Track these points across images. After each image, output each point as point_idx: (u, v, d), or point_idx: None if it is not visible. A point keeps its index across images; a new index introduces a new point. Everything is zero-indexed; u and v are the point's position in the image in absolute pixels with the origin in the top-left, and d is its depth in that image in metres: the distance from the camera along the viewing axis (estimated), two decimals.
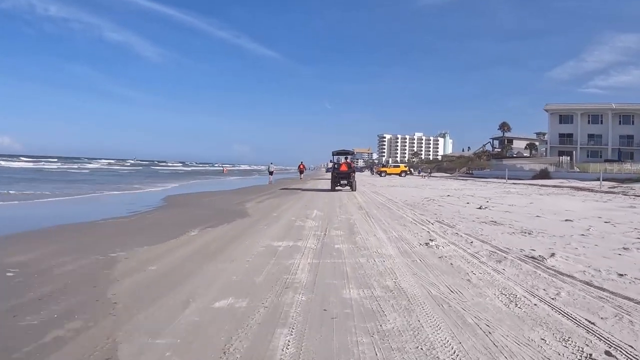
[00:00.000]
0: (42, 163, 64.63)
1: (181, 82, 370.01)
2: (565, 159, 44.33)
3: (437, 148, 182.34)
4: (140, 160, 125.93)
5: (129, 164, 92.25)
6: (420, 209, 11.59)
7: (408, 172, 50.53)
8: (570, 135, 53.63)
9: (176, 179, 33.59)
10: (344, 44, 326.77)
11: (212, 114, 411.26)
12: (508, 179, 43.93)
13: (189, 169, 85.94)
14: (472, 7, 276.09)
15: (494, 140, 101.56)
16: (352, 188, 19.46)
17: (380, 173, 49.92)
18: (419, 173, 59.83)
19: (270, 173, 39.73)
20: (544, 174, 41.35)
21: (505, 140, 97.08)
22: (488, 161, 70.51)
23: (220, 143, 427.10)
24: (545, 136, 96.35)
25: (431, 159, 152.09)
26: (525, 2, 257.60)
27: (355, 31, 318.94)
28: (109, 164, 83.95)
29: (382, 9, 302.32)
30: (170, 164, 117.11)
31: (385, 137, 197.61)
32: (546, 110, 54.79)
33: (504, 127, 72.62)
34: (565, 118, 54.20)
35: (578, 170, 42.45)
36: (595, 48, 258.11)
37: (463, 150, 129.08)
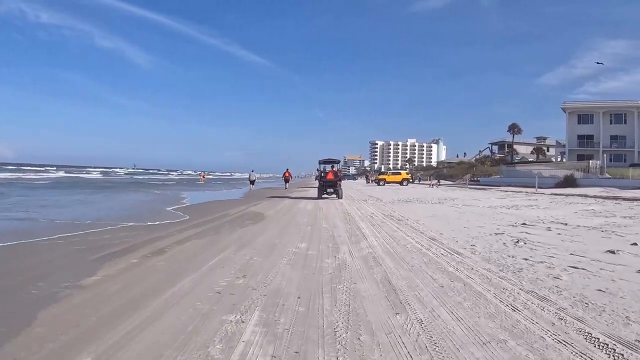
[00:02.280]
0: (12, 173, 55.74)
1: (172, 89, 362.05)
2: (595, 163, 37.31)
3: (431, 154, 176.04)
4: (138, 169, 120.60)
5: (121, 173, 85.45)
6: (557, 292, 4.05)
7: (410, 180, 43.11)
8: (590, 137, 46.88)
9: (133, 192, 25.73)
10: (334, 51, 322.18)
11: (204, 121, 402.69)
12: (523, 186, 36.84)
13: (178, 177, 77.98)
14: (462, 13, 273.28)
15: (493, 145, 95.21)
16: (339, 196, 18.95)
17: (378, 181, 42.35)
18: (419, 181, 52.43)
19: (252, 182, 33.44)
20: (569, 181, 34.27)
21: (506, 145, 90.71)
22: (492, 167, 63.58)
23: (215, 150, 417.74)
24: (548, 140, 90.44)
25: (424, 165, 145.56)
26: (516, 8, 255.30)
27: (345, 38, 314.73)
28: (102, 172, 77.65)
29: (373, 16, 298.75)
30: (164, 172, 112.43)
31: (377, 144, 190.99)
32: (563, 109, 47.99)
33: (513, 128, 65.44)
34: (584, 117, 47.45)
35: (609, 176, 35.55)
36: (585, 54, 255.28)
37: (457, 157, 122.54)
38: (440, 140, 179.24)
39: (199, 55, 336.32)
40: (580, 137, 47.32)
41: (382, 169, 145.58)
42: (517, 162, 52.56)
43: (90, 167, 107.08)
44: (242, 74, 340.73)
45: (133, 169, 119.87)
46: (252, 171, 35.19)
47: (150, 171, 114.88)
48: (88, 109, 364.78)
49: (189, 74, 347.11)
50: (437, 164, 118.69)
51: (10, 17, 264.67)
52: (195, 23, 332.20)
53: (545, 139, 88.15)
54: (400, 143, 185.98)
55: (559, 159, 53.99)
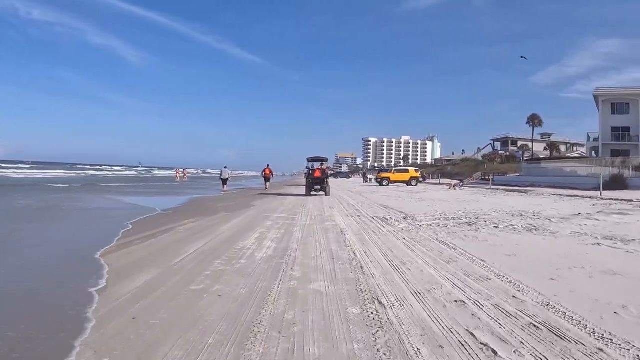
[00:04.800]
0: None
1: (164, 86, 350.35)
2: None
3: (425, 152, 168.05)
4: (145, 166, 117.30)
5: (116, 171, 78.55)
6: None
7: (421, 179, 34.50)
8: (626, 130, 38.85)
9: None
10: (328, 49, 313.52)
11: (197, 118, 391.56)
12: (552, 187, 28.81)
13: (161, 175, 69.03)
14: (455, 12, 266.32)
15: (495, 142, 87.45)
16: (326, 193, 18.72)
17: (380, 181, 33.52)
18: (423, 180, 43.92)
19: (224, 182, 25.90)
20: (618, 182, 26.38)
21: (510, 142, 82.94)
22: (502, 164, 55.69)
23: (209, 148, 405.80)
24: (553, 137, 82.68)
25: (419, 162, 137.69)
26: (508, 7, 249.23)
27: (339, 37, 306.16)
28: (96, 170, 72.64)
29: (367, 15, 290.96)
30: (159, 168, 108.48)
31: (370, 141, 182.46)
32: (596, 98, 39.94)
33: (533, 120, 56.85)
34: (619, 107, 39.43)
35: None
36: (577, 53, 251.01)
37: (453, 154, 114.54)
38: (435, 138, 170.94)
39: (192, 53, 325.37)
40: (614, 129, 39.27)
41: (376, 166, 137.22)
42: (543, 159, 44.47)
43: (73, 164, 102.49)
44: (235, 72, 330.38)
45: (140, 166, 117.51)
46: (225, 168, 26.92)
47: (143, 169, 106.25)
48: (81, 107, 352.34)
49: (181, 72, 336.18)
50: (435, 161, 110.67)
51: (3, 15, 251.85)
52: (188, 20, 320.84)
53: (550, 135, 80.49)
54: (394, 140, 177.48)
55: (580, 155, 46.11)
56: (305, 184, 19.95)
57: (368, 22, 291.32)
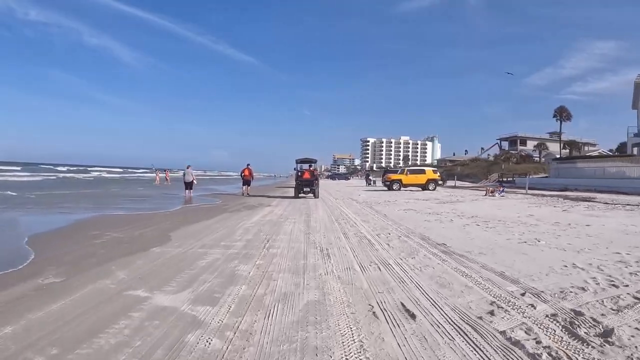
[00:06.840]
0: None
1: (160, 87, 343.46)
2: None
3: (425, 152, 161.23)
4: (156, 168, 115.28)
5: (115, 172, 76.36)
6: None
7: (440, 182, 27.29)
8: None
9: None
10: (322, 51, 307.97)
11: (189, 119, 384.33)
12: (600, 191, 22.29)
13: (148, 177, 63.40)
14: (450, 14, 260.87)
15: (503, 141, 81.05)
16: (315, 195, 18.22)
17: (390, 184, 25.82)
18: (443, 183, 35.97)
19: (188, 185, 19.63)
20: None
21: (519, 141, 76.45)
22: (518, 164, 49.16)
23: (202, 149, 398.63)
24: (562, 137, 76.17)
25: (419, 163, 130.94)
26: (503, 9, 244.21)
27: (333, 38, 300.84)
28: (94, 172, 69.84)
29: (360, 17, 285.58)
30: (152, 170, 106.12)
31: (369, 141, 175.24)
32: (637, 85, 33.38)
33: (561, 113, 49.67)
34: None
35: None
36: (573, 55, 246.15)
37: (454, 154, 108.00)
38: (435, 138, 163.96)
39: (187, 53, 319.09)
40: None
41: (375, 168, 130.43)
42: (577, 157, 37.83)
43: (92, 166, 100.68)
44: (230, 73, 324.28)
45: (151, 168, 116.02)
46: (189, 167, 20.14)
47: (140, 171, 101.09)
48: (75, 107, 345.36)
49: (175, 72, 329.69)
50: (437, 162, 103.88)
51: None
52: (183, 21, 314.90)
53: (559, 134, 74.00)
54: (393, 140, 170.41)
55: (600, 154, 39.53)
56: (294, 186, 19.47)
57: (362, 23, 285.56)
